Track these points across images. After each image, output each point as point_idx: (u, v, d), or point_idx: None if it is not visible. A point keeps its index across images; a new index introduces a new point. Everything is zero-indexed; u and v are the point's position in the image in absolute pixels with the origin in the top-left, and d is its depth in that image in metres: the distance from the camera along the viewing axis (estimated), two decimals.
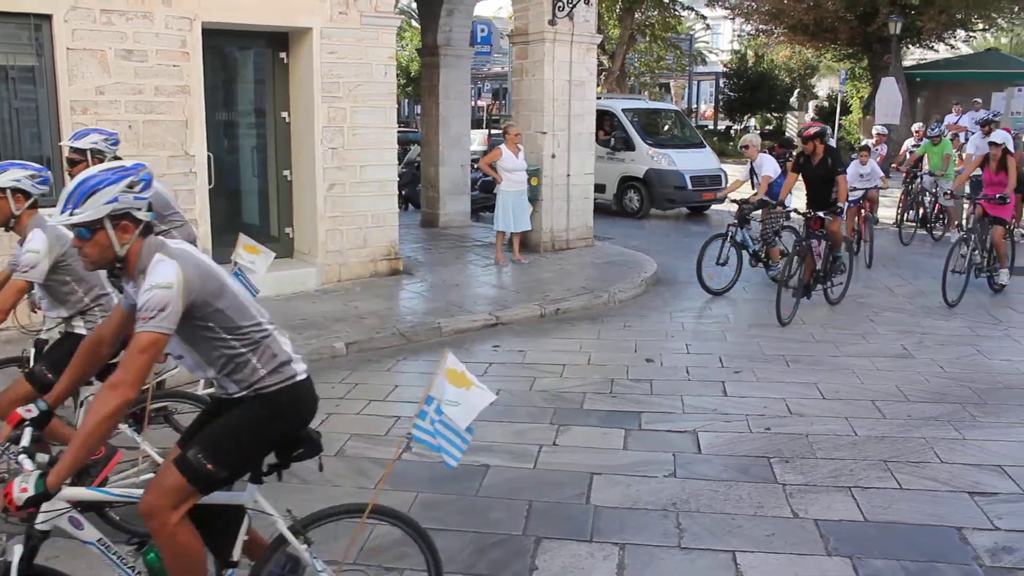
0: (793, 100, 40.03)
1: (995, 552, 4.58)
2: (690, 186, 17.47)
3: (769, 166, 11.16)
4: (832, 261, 9.96)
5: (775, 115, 39.75)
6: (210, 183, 9.44)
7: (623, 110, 18.41)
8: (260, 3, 9.43)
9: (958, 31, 29.27)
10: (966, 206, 13.90)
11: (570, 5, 12.33)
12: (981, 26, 29.74)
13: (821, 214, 9.59)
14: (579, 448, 5.96)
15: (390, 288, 10.39)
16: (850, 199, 12.01)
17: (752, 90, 38.06)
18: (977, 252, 10.49)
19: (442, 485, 5.40)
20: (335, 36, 10.07)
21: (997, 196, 10.39)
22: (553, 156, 12.84)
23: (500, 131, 15.27)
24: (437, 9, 14.97)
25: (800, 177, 10.08)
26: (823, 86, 45.62)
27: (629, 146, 17.91)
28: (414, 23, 31.46)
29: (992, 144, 10.70)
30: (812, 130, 10.00)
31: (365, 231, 10.67)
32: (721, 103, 41.12)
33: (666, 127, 20.25)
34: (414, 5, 19.47)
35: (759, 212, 11.13)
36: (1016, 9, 27.50)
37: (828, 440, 6.15)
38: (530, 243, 12.85)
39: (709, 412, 6.69)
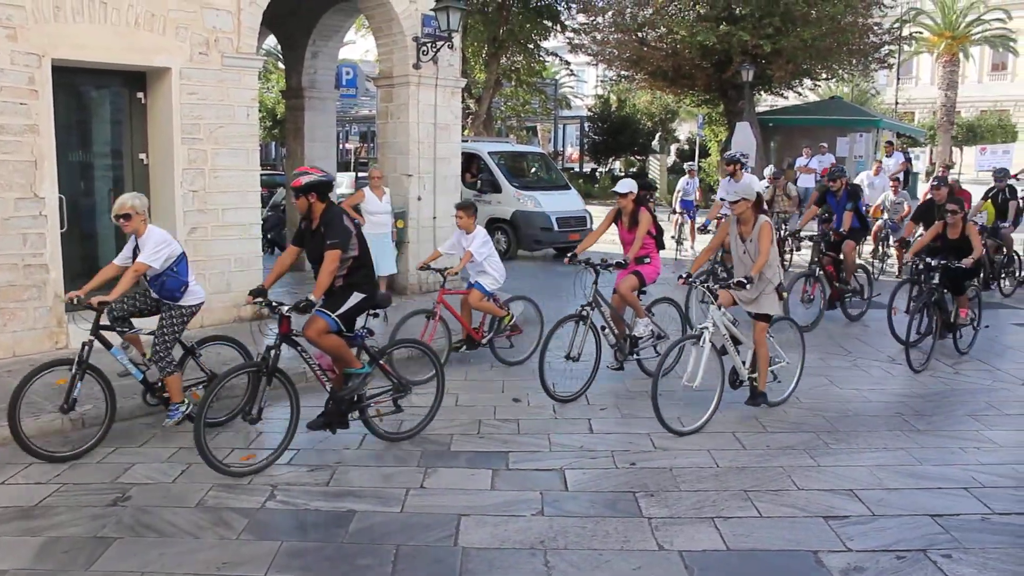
0: (655, 143, 41.30)
1: (848, 572, 4.78)
2: (556, 227, 17.78)
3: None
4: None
5: (638, 158, 40.91)
6: (63, 226, 9.05)
7: (489, 153, 18.63)
8: (115, 42, 9.17)
9: (804, 80, 30.85)
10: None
11: (434, 49, 12.44)
12: (824, 76, 31.42)
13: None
14: (447, 490, 5.93)
15: (254, 334, 10.11)
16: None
17: (615, 134, 39.15)
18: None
19: (307, 533, 5.29)
20: (195, 77, 9.87)
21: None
22: (419, 199, 12.86)
23: (367, 174, 15.22)
24: (301, 51, 14.89)
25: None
26: (683, 130, 47.33)
27: (496, 188, 18.12)
28: (280, 65, 31.13)
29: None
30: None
31: (228, 275, 10.42)
32: (586, 146, 42.11)
33: (532, 170, 20.58)
34: (279, 47, 19.26)
35: None
36: (853, 61, 29.20)
37: (691, 472, 6.30)
38: (397, 286, 12.79)
39: (576, 449, 6.76)
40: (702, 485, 6.06)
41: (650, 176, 35.36)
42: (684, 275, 7.61)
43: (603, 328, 8.56)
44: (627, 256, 8.59)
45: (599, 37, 29.39)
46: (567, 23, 29.43)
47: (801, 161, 23.99)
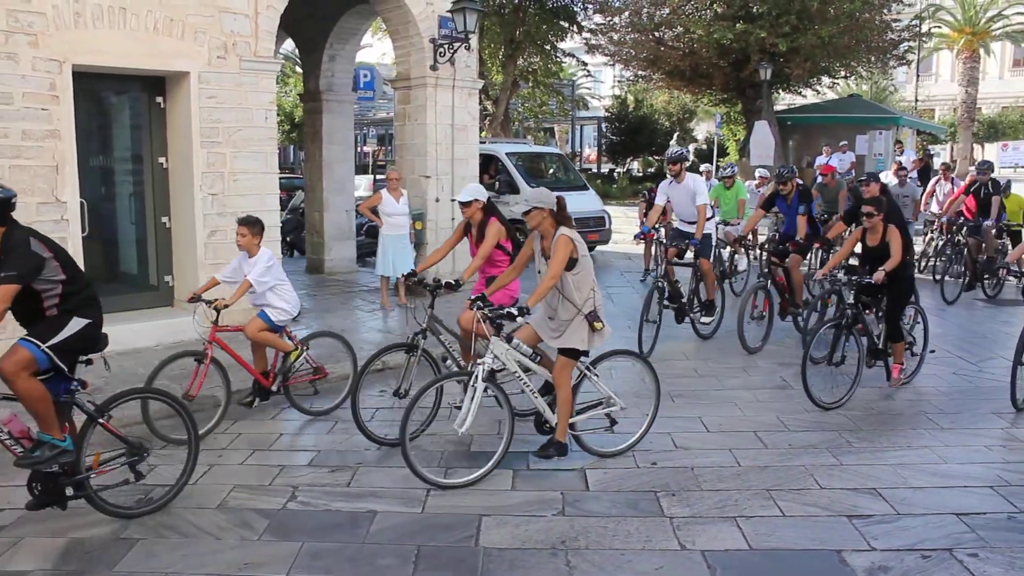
0: (673, 143, 41.21)
1: (872, 571, 4.74)
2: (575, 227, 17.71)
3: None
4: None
5: (656, 158, 40.82)
6: (84, 231, 9.12)
7: (507, 154, 18.61)
8: (135, 47, 9.23)
9: (823, 78, 30.68)
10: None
11: (451, 51, 12.46)
12: (843, 74, 31.25)
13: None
14: (468, 490, 5.92)
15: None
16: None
17: (633, 134, 39.08)
18: None
19: (328, 533, 5.29)
20: (214, 81, 9.92)
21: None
22: (437, 200, 12.88)
23: (385, 176, 15.27)
24: (319, 55, 14.95)
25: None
26: (701, 129, 47.18)
27: (514, 189, 18.07)
28: (298, 68, 31.26)
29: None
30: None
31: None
32: (604, 147, 42.04)
33: (550, 170, 20.54)
34: (296, 50, 19.34)
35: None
36: (872, 59, 29.01)
37: (713, 472, 6.27)
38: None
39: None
40: (724, 484, 6.03)
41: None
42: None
43: (444, 359, 7.35)
44: (461, 278, 7.45)
45: (616, 37, 29.36)
46: (583, 24, 29.39)
47: (821, 160, 23.86)
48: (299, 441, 7.27)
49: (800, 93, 32.51)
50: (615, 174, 39.08)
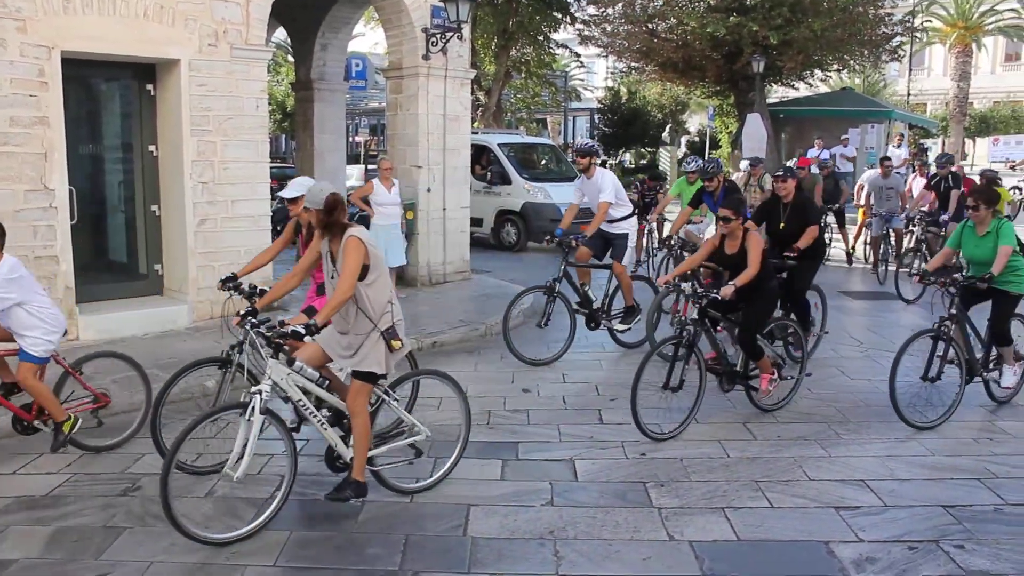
0: (665, 135, 41.24)
1: (859, 563, 4.75)
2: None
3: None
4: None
5: (648, 150, 40.86)
6: (72, 218, 9.07)
7: (499, 144, 18.60)
8: (125, 33, 9.17)
9: (815, 71, 30.69)
10: None
11: (443, 40, 12.41)
12: (835, 67, 31.26)
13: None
14: (456, 480, 5.91)
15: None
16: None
17: (626, 125, 39.07)
18: None
19: (316, 523, 5.29)
20: (204, 68, 9.86)
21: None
22: (429, 190, 12.85)
23: (377, 166, 15.24)
24: (311, 44, 14.90)
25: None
26: (694, 122, 47.21)
27: (505, 180, 18.09)
28: (290, 57, 31.14)
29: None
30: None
31: (238, 267, 10.28)
32: (597, 138, 42.00)
33: (542, 161, 20.54)
34: (288, 39, 19.26)
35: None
36: (864, 52, 29.03)
37: (702, 463, 6.28)
38: (407, 277, 12.80)
39: (586, 440, 6.74)
40: (713, 475, 6.04)
41: (660, 168, 35.27)
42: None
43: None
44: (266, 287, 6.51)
45: (609, 29, 29.28)
46: (577, 15, 29.32)
47: (812, 152, 23.89)
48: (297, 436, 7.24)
49: (792, 86, 32.52)
50: (608, 165, 39.02)
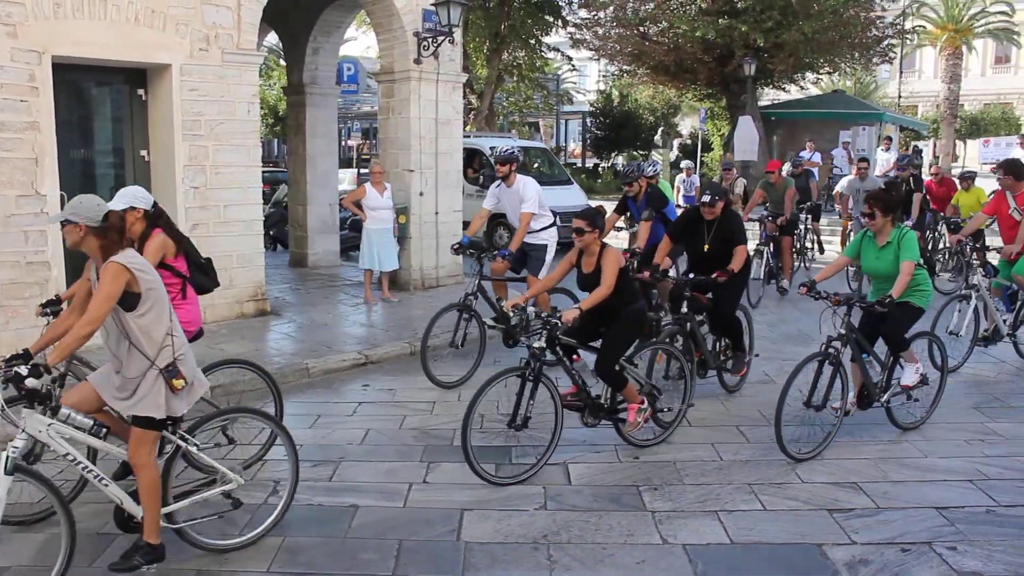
0: (657, 138, 41.25)
1: (852, 565, 4.76)
2: (559, 222, 17.70)
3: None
4: None
5: (641, 152, 40.85)
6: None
7: (491, 148, 18.58)
8: (115, 38, 9.15)
9: (806, 74, 30.76)
10: None
11: (435, 44, 12.41)
12: (827, 69, 31.33)
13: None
14: (450, 485, 5.91)
15: (257, 330, 10.14)
16: None
17: (618, 128, 39.05)
18: None
19: (309, 528, 5.27)
20: (196, 73, 9.86)
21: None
22: (421, 194, 12.85)
23: (369, 170, 15.22)
24: (302, 48, 14.86)
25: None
26: (686, 124, 47.21)
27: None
28: (282, 61, 31.11)
29: None
30: None
31: (230, 272, 10.40)
32: (589, 141, 42.03)
33: (534, 165, 20.52)
34: (280, 43, 19.24)
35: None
36: (855, 55, 29.09)
37: (695, 466, 6.29)
38: (400, 281, 12.80)
39: (579, 443, 6.74)
40: (706, 479, 6.04)
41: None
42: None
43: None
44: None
45: (601, 32, 29.29)
46: (568, 18, 29.36)
47: (804, 155, 23.93)
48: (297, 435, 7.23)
49: (784, 89, 32.58)
50: (600, 169, 39.08)
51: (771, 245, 12.85)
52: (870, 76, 45.38)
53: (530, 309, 6.25)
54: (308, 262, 14.94)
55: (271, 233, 17.18)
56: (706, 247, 7.71)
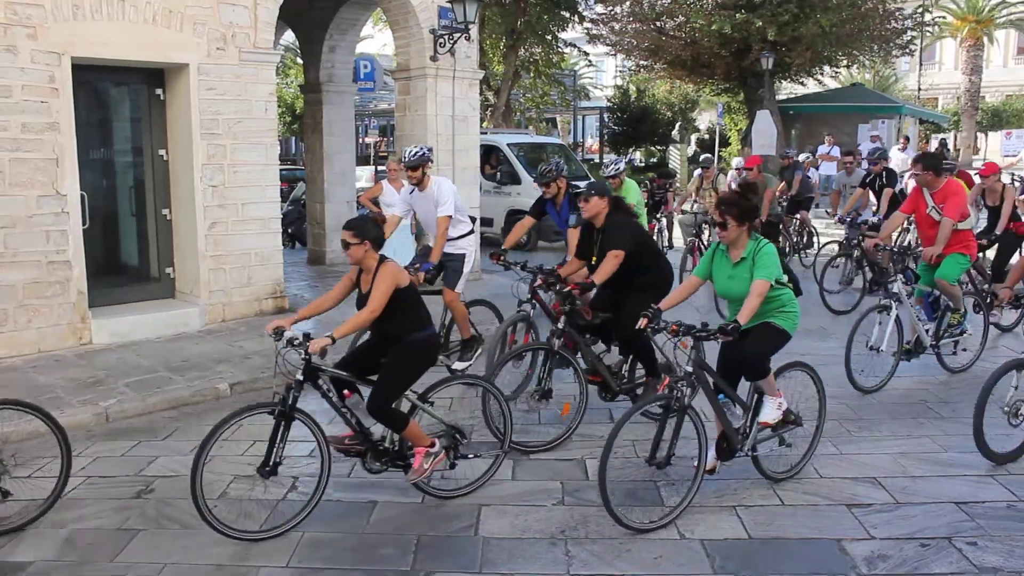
0: (675, 133, 41.11)
1: (871, 560, 4.75)
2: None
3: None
4: None
5: (658, 148, 40.73)
6: (84, 223, 9.13)
7: (508, 144, 18.60)
8: (133, 39, 9.22)
9: (824, 67, 30.60)
10: None
11: (451, 41, 12.43)
12: (845, 63, 31.15)
13: None
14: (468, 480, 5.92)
15: None
16: None
17: (635, 124, 38.95)
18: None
19: (329, 523, 5.30)
20: (213, 72, 9.91)
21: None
22: None
23: (386, 167, 15.26)
24: (318, 46, 14.91)
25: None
26: (703, 119, 47.02)
27: (515, 180, 18.08)
28: (299, 59, 31.21)
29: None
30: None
31: (249, 269, 10.47)
32: (606, 137, 41.94)
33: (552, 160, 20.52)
34: (297, 41, 19.31)
35: None
36: (874, 48, 28.91)
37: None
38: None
39: (597, 439, 6.71)
40: (724, 473, 6.01)
41: (671, 166, 35.19)
42: None
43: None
44: None
45: (617, 27, 29.24)
46: (585, 13, 29.30)
47: (823, 149, 23.82)
48: (300, 432, 7.26)
49: (802, 82, 32.42)
50: None
51: None
52: (889, 69, 45.05)
53: (291, 333, 5.09)
54: (326, 259, 15.00)
55: (289, 231, 17.25)
56: (593, 258, 6.79)
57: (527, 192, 17.84)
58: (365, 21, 16.19)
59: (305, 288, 12.70)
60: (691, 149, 39.58)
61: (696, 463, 5.42)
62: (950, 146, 39.38)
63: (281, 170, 11.60)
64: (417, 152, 8.12)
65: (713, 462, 5.59)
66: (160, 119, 10.14)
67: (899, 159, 20.62)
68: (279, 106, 12.53)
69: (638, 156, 41.39)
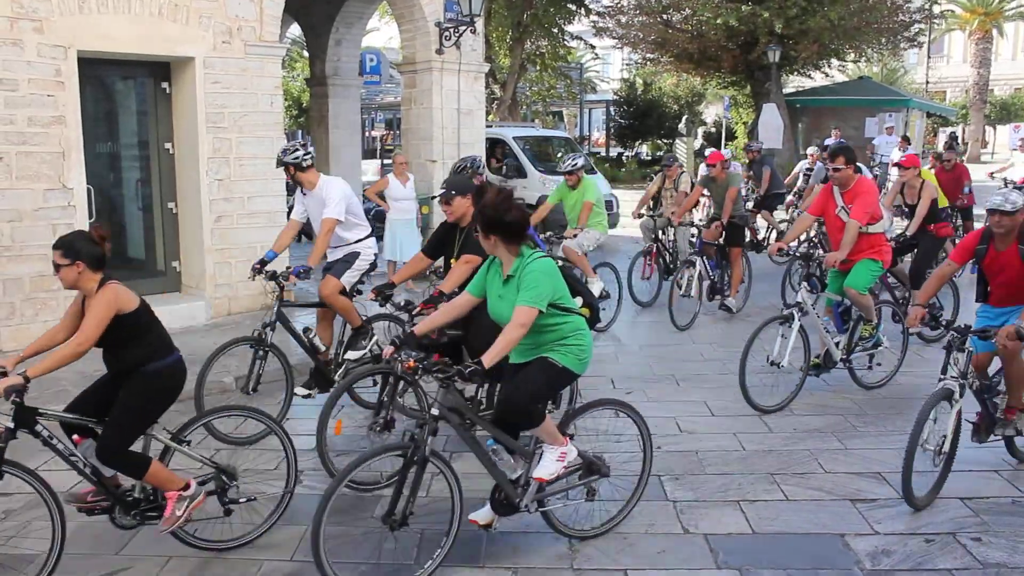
0: (681, 126, 41.03)
1: (875, 556, 4.75)
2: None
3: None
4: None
5: (665, 141, 40.65)
6: (91, 217, 9.14)
7: (514, 138, 18.59)
8: (139, 32, 9.23)
9: (832, 60, 30.53)
10: None
11: (457, 35, 12.42)
12: (852, 56, 31.06)
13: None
14: (472, 474, 5.91)
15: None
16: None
17: (642, 117, 38.88)
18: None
19: (334, 517, 5.30)
20: (219, 66, 9.91)
21: None
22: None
23: (392, 160, 15.27)
24: (325, 39, 14.93)
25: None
26: (710, 113, 46.95)
27: (521, 173, 18.07)
28: (304, 53, 31.21)
29: None
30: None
31: (252, 263, 10.46)
32: (612, 130, 41.88)
33: (558, 154, 20.51)
34: (303, 35, 19.32)
35: None
36: (882, 41, 28.81)
37: (717, 456, 6.28)
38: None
39: (601, 433, 6.72)
40: (728, 468, 6.04)
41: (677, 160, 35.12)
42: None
43: None
44: None
45: (624, 20, 29.24)
46: (591, 6, 29.30)
47: (830, 142, 23.74)
48: (304, 426, 7.29)
49: (809, 76, 32.34)
50: (623, 158, 38.95)
51: (705, 256, 10.77)
52: (897, 62, 44.93)
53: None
54: None
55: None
56: (453, 261, 6.17)
57: (533, 185, 17.86)
58: (371, 14, 16.21)
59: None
60: (698, 142, 39.53)
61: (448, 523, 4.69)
62: (959, 140, 39.24)
63: None
64: (289, 150, 7.33)
65: (489, 517, 4.85)
66: (166, 112, 10.15)
67: (898, 158, 20.52)
68: (285, 99, 12.50)
69: (645, 149, 41.32)
